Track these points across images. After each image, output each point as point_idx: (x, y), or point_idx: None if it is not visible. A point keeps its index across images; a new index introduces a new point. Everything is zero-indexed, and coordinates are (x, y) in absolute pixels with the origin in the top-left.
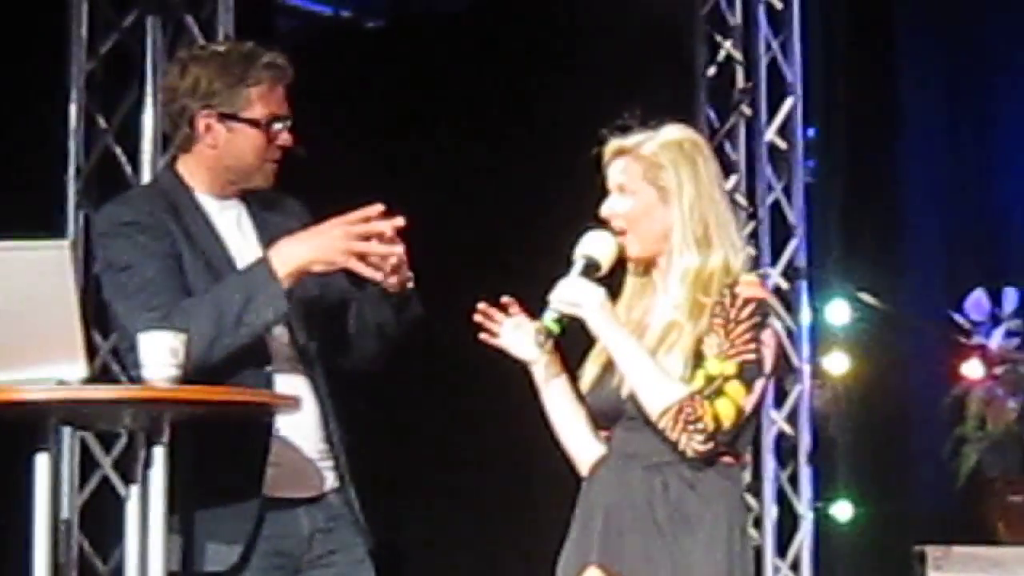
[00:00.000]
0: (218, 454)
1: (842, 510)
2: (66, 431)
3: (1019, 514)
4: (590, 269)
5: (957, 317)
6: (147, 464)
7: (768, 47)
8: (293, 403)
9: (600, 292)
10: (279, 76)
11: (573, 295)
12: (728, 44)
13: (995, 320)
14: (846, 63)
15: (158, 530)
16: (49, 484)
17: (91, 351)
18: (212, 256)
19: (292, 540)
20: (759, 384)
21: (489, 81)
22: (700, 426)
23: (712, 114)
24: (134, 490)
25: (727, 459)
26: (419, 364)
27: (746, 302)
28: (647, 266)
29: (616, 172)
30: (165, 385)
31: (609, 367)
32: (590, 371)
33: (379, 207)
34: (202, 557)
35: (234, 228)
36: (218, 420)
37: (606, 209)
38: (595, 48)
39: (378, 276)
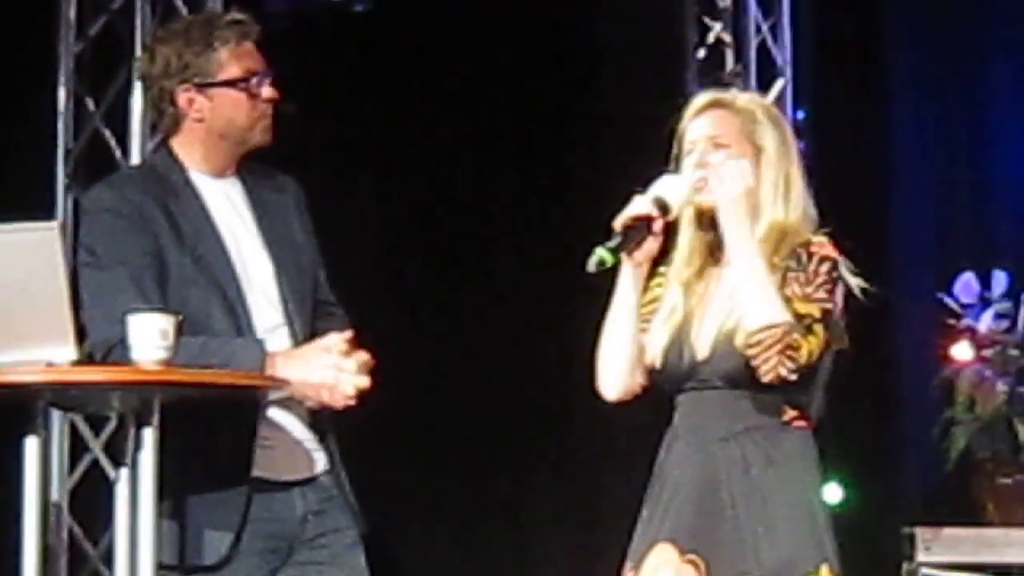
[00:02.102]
0: (207, 438)
1: (832, 492)
2: (55, 414)
3: (1008, 495)
4: (661, 210)
5: (947, 299)
6: (137, 447)
7: (758, 30)
8: (284, 383)
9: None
10: (245, 32)
11: (663, 189)
12: (718, 27)
13: (984, 302)
14: (836, 45)
15: (148, 513)
16: (38, 467)
17: (80, 333)
18: (202, 245)
19: (286, 522)
20: (826, 336)
21: (478, 65)
22: (797, 355)
23: None
24: (123, 473)
25: (801, 423)
26: (409, 349)
27: (823, 259)
28: (712, 223)
29: (708, 124)
30: (154, 367)
31: (681, 333)
32: (659, 339)
33: (350, 334)
34: (196, 543)
35: (229, 207)
36: (208, 402)
37: (697, 159)
38: (586, 31)
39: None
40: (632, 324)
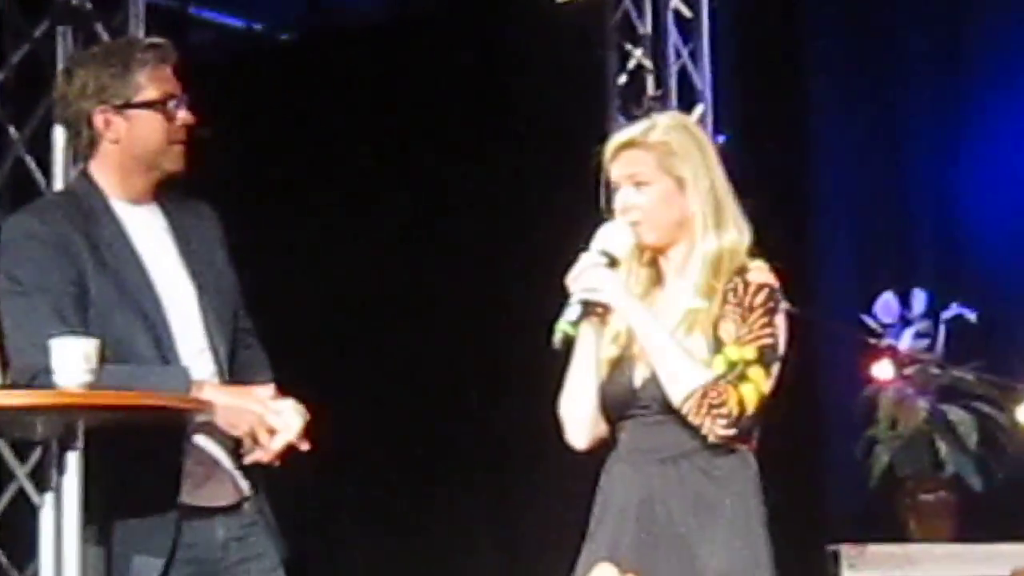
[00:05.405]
0: (134, 463)
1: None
2: None
3: (930, 512)
4: (608, 262)
5: (867, 319)
6: (60, 472)
7: (678, 55)
8: (208, 406)
9: (619, 275)
10: (163, 55)
11: (592, 281)
12: (638, 52)
13: (904, 322)
14: (756, 70)
15: (72, 538)
16: None
17: (5, 358)
18: (124, 271)
19: (208, 548)
20: (776, 368)
21: (401, 94)
22: (724, 411)
23: (623, 122)
24: (48, 498)
25: (740, 445)
26: (335, 377)
27: (759, 288)
28: (654, 256)
29: (626, 165)
30: (79, 390)
31: (625, 356)
32: (607, 353)
33: (272, 387)
34: (124, 569)
35: (150, 235)
36: (133, 426)
37: (621, 203)
38: (507, 60)
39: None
40: (594, 376)
